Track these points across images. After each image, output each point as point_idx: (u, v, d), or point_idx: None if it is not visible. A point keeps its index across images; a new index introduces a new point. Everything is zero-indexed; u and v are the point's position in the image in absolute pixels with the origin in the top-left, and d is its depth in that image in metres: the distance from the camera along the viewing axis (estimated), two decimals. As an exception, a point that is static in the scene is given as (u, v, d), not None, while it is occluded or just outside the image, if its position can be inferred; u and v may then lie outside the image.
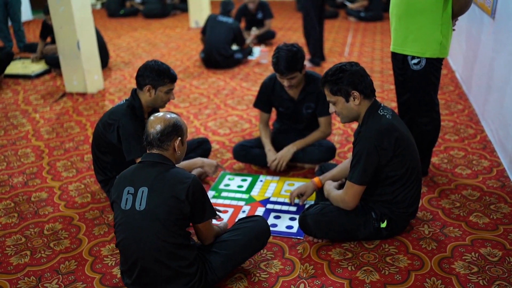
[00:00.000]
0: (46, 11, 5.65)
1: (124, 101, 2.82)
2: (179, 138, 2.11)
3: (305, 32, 5.82)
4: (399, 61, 3.00)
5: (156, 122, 2.07)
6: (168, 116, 2.11)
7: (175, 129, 2.09)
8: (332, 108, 2.48)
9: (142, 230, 2.00)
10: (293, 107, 3.31)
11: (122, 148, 2.71)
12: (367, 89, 2.37)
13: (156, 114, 2.13)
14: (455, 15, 2.82)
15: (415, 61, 2.86)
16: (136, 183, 2.04)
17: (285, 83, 3.12)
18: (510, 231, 2.57)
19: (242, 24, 7.40)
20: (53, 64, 5.70)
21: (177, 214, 2.00)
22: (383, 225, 2.48)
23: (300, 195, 2.85)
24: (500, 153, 3.35)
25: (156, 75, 2.69)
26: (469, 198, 2.89)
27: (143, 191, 2.01)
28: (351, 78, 2.34)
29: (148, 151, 2.11)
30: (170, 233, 2.00)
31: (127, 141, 2.69)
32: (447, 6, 2.75)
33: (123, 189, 2.05)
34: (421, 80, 2.90)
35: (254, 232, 2.29)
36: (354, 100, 2.37)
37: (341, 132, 3.93)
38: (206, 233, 2.19)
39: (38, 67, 6.04)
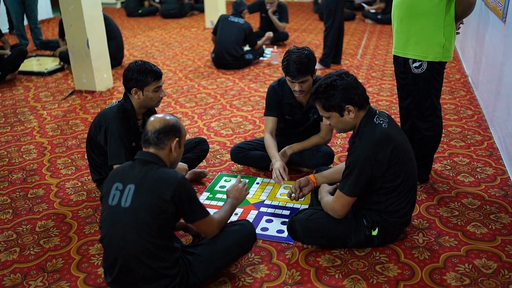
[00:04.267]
0: None
1: (116, 102, 2.81)
2: (177, 139, 2.11)
3: (324, 32, 5.72)
4: (401, 64, 2.92)
5: (155, 121, 2.10)
6: (168, 117, 2.13)
7: (173, 130, 2.10)
8: (326, 121, 2.41)
9: (125, 227, 1.99)
10: (300, 114, 3.19)
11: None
12: (360, 100, 2.28)
13: (156, 115, 2.15)
14: (458, 18, 2.73)
15: (416, 64, 2.78)
16: (125, 180, 2.04)
17: (296, 87, 2.97)
18: (509, 242, 2.47)
19: (257, 23, 7.39)
20: (66, 60, 5.74)
21: (161, 214, 1.99)
22: (374, 232, 2.40)
23: (300, 188, 2.70)
24: (506, 161, 3.24)
25: (139, 76, 2.67)
26: (468, 207, 2.80)
27: (130, 188, 2.01)
28: (344, 93, 2.24)
29: (144, 149, 2.11)
30: (152, 232, 1.98)
31: (111, 146, 2.69)
32: (450, 8, 2.67)
33: (112, 184, 2.06)
34: (422, 84, 2.81)
35: (238, 237, 2.25)
36: (349, 113, 2.29)
37: (344, 135, 3.86)
38: (206, 230, 2.19)
39: (52, 64, 6.12)
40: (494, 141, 3.60)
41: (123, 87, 2.77)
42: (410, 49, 2.80)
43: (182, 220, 2.43)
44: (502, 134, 3.43)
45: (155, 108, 3.00)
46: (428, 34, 2.71)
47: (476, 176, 3.13)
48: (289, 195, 2.73)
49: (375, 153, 2.24)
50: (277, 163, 2.96)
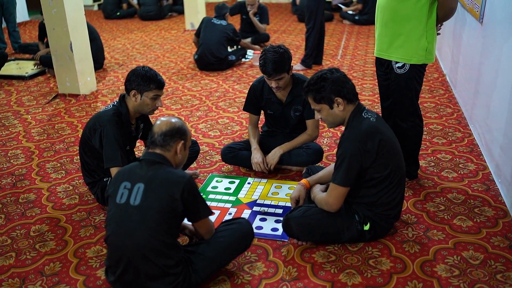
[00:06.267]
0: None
1: (111, 105, 2.84)
2: (182, 141, 2.18)
3: (306, 33, 5.80)
4: (383, 65, 3.02)
5: (162, 124, 2.17)
6: (174, 120, 2.21)
7: (179, 132, 2.17)
8: (317, 115, 2.51)
9: (135, 224, 2.03)
10: (281, 110, 3.33)
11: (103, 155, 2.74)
12: (349, 94, 2.39)
13: (162, 118, 2.22)
14: (439, 21, 2.85)
15: (399, 64, 2.88)
16: (133, 179, 2.09)
17: (273, 84, 3.14)
18: (493, 234, 2.59)
19: (237, 26, 7.44)
20: (48, 64, 5.69)
21: (171, 213, 2.05)
22: (366, 227, 2.49)
23: (297, 201, 2.77)
24: (486, 157, 3.37)
25: (142, 80, 2.72)
26: (453, 201, 2.91)
27: (139, 187, 2.06)
28: (333, 85, 2.36)
29: (150, 150, 2.17)
30: (161, 230, 2.04)
31: (107, 149, 2.72)
32: (432, 12, 2.78)
33: (120, 184, 2.11)
34: (403, 84, 2.91)
35: (237, 234, 2.31)
36: (338, 106, 2.40)
37: (330, 135, 3.95)
38: (204, 230, 2.25)
39: (32, 68, 6.05)
40: (474, 138, 3.74)
41: (124, 88, 2.80)
42: (394, 52, 2.89)
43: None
44: (481, 131, 3.57)
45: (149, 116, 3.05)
46: (412, 38, 2.81)
47: (459, 172, 3.26)
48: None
49: (363, 143, 2.34)
50: (257, 158, 3.25)
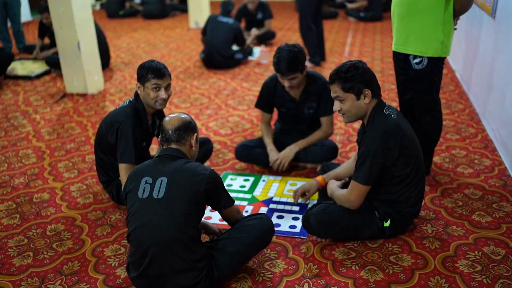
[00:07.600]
0: (41, 10, 5.72)
1: (128, 102, 2.82)
2: (195, 134, 2.22)
3: (301, 32, 5.83)
4: (401, 60, 3.00)
5: (173, 120, 2.20)
6: (183, 115, 2.24)
7: (190, 126, 2.21)
8: (337, 106, 2.43)
9: (160, 217, 2.03)
10: (295, 107, 3.31)
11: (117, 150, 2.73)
12: (377, 87, 2.38)
13: (171, 114, 2.24)
14: (456, 14, 2.82)
15: (417, 60, 2.86)
16: (154, 174, 2.10)
17: (286, 83, 3.11)
18: (513, 230, 2.58)
19: (242, 25, 7.41)
20: (53, 64, 5.68)
21: (195, 205, 2.06)
22: (387, 224, 2.47)
23: (304, 193, 2.85)
24: (502, 152, 3.35)
25: (142, 71, 2.72)
26: (471, 197, 2.90)
27: (162, 180, 2.07)
28: (364, 76, 2.34)
29: (166, 147, 2.18)
30: (186, 224, 2.04)
31: (123, 145, 2.70)
32: (449, 5, 2.76)
33: (140, 179, 2.11)
34: (423, 79, 2.90)
35: (258, 230, 2.29)
36: (364, 98, 2.37)
37: (342, 132, 3.93)
38: (230, 217, 2.32)
39: (38, 67, 6.03)
40: (488, 133, 3.72)
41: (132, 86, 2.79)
42: (411, 45, 2.87)
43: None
44: (495, 126, 3.55)
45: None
46: (428, 30, 2.80)
47: (475, 168, 3.24)
48: (295, 199, 2.84)
49: (386, 141, 2.31)
50: (273, 157, 3.22)
